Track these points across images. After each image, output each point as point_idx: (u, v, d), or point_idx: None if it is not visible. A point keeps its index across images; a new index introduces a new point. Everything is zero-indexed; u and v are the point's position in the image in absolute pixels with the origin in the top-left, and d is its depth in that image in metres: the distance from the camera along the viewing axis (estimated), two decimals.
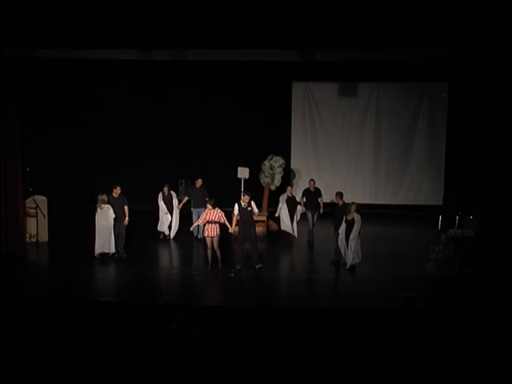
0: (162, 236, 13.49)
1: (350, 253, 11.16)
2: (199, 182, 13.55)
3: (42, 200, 13.15)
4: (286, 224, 13.28)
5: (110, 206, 11.71)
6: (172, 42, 9.55)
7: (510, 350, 7.18)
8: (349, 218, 11.17)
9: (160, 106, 16.75)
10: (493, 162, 12.33)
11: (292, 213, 13.19)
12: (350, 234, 11.11)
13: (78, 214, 12.02)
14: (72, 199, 15.59)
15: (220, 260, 11.58)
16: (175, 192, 13.86)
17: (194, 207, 13.51)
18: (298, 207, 13.24)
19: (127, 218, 12.13)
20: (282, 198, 13.30)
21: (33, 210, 12.85)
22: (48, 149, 15.60)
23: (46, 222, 13.16)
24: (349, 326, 8.61)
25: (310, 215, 13.11)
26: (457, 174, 15.78)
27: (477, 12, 8.55)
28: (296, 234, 13.33)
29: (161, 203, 13.33)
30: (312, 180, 13.35)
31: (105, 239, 11.74)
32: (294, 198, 13.46)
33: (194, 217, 13.33)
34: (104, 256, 11.82)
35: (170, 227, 13.44)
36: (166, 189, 13.43)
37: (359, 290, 10.77)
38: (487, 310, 8.89)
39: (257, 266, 11.47)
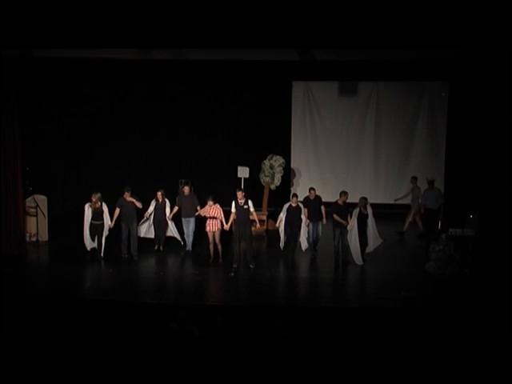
0: (156, 247, 12.69)
1: (374, 239, 11.78)
2: (186, 190, 12.56)
3: (42, 199, 13.18)
4: (282, 240, 12.26)
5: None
6: (172, 41, 9.55)
7: (510, 350, 7.18)
8: (366, 212, 11.60)
9: (160, 106, 16.72)
10: (493, 162, 12.34)
11: (294, 223, 11.97)
12: (365, 227, 11.64)
13: (77, 213, 12.01)
14: (72, 199, 15.59)
15: (221, 255, 11.83)
16: (175, 192, 13.64)
17: (183, 216, 12.44)
18: (303, 218, 12.01)
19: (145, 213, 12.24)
20: (284, 208, 12.09)
21: (33, 210, 12.87)
22: (48, 148, 15.61)
23: (45, 221, 13.19)
24: (349, 325, 8.61)
25: (310, 226, 12.16)
26: (457, 174, 15.78)
27: (477, 12, 8.55)
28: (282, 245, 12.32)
29: (151, 210, 12.34)
30: (312, 189, 12.28)
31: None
32: (298, 207, 11.98)
33: (185, 227, 12.46)
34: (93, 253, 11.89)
35: (159, 239, 12.61)
36: (159, 194, 12.38)
37: (359, 290, 10.80)
38: (487, 309, 8.89)
39: (250, 265, 11.54)
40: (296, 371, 6.81)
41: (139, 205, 12.07)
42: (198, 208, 12.16)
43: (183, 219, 12.47)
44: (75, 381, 6.69)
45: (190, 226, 12.45)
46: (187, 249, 12.59)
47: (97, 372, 6.76)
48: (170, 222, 12.49)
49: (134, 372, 6.73)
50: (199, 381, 6.64)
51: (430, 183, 13.22)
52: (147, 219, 12.42)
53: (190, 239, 12.51)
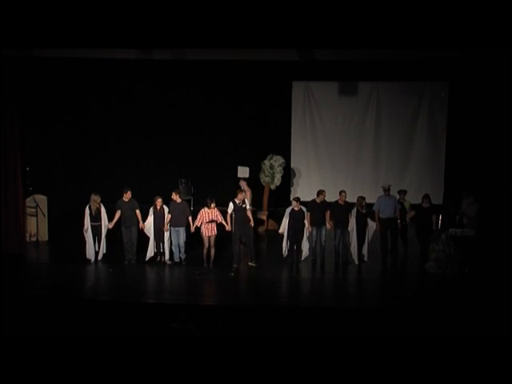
0: (158, 258, 11.83)
1: (366, 246, 11.70)
2: (176, 196, 11.61)
3: (41, 199, 13.17)
4: (284, 246, 11.70)
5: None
6: (172, 41, 9.56)
7: (510, 350, 7.18)
8: (364, 211, 11.59)
9: (160, 106, 16.72)
10: (493, 162, 12.34)
11: (297, 228, 11.48)
12: (364, 228, 11.58)
13: (77, 213, 12.01)
14: (72, 199, 15.60)
15: (212, 259, 11.62)
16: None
17: (172, 225, 11.56)
18: (306, 223, 11.52)
19: (141, 223, 11.57)
20: (286, 213, 11.60)
21: (33, 210, 12.86)
22: (48, 148, 15.61)
23: (45, 221, 13.18)
24: (349, 325, 8.61)
25: (314, 232, 11.56)
26: (457, 174, 15.78)
27: (477, 12, 8.56)
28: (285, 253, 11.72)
29: (150, 221, 11.62)
30: (321, 192, 11.65)
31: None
32: (300, 211, 11.53)
33: (174, 237, 11.60)
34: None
35: (160, 250, 11.78)
36: (159, 201, 11.57)
37: (359, 290, 10.79)
38: (487, 309, 8.89)
39: (249, 264, 11.54)
40: (296, 371, 6.82)
41: (142, 225, 11.61)
42: (190, 219, 11.55)
43: (172, 229, 11.60)
44: (75, 381, 6.69)
45: (180, 236, 11.61)
46: (175, 260, 11.74)
47: (97, 372, 6.76)
48: (165, 234, 11.65)
49: (134, 372, 6.73)
50: (199, 381, 6.64)
51: (387, 190, 12.27)
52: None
53: (182, 250, 11.68)
